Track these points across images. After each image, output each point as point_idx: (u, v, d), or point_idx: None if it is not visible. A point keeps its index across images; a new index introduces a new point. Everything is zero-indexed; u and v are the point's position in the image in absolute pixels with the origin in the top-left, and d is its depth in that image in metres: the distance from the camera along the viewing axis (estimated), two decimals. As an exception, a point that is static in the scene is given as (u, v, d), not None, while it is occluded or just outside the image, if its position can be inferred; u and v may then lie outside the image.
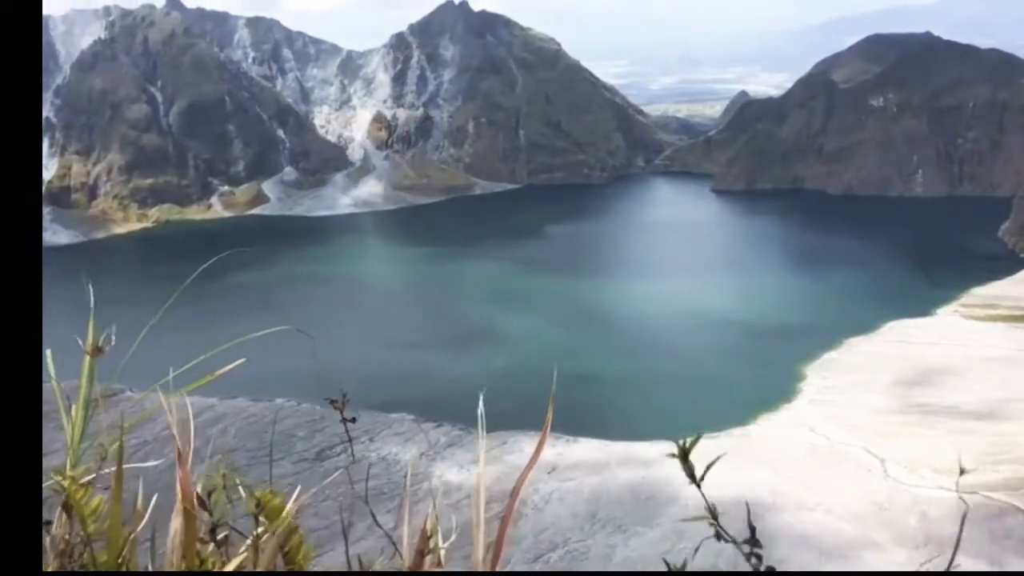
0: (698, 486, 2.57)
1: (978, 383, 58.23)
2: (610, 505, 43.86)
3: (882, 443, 49.58)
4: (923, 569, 34.12)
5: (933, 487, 43.92)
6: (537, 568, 37.95)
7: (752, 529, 2.56)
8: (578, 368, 63.38)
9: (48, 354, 3.11)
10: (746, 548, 2.58)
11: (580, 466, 47.77)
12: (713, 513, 2.60)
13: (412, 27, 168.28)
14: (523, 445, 47.73)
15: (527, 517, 41.21)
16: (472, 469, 47.44)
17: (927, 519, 40.92)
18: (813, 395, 59.63)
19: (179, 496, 2.42)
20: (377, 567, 2.78)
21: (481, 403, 3.24)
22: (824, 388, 60.63)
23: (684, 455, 2.59)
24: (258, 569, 2.42)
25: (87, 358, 3.01)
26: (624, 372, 64.89)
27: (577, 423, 50.91)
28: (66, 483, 2.48)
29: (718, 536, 2.58)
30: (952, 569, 3.14)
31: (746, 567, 2.59)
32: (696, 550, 3.05)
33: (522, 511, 41.11)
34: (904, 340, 68.55)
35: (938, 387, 58.33)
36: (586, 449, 50.10)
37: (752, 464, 47.86)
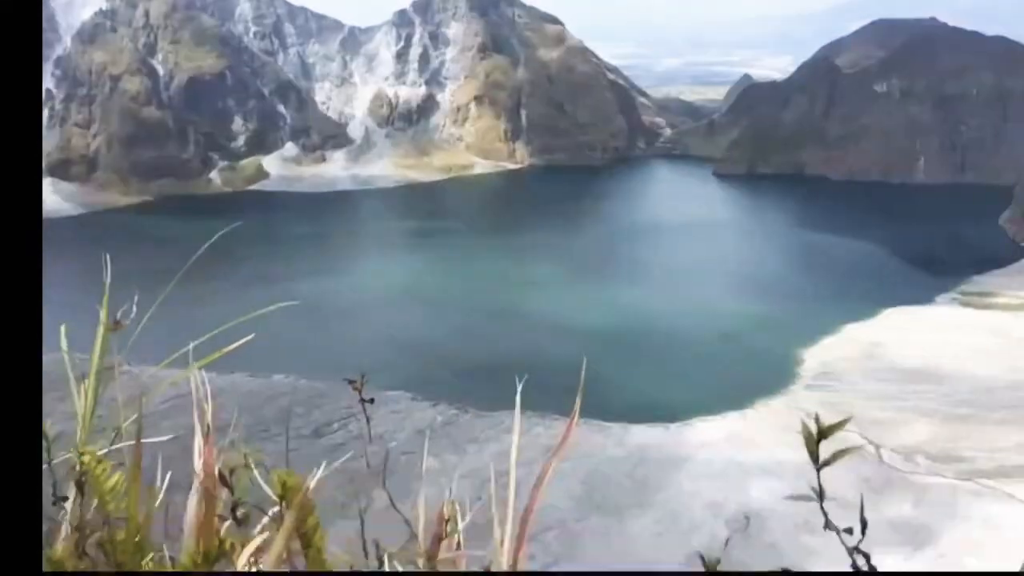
0: (818, 470, 2.36)
1: (976, 371, 58.41)
2: (606, 487, 44.12)
3: (878, 429, 49.79)
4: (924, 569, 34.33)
5: (928, 474, 44.20)
6: (532, 552, 38.11)
7: (863, 523, 2.34)
8: (574, 347, 63.37)
9: (62, 329, 3.08)
10: (851, 540, 2.33)
11: (576, 447, 47.94)
12: (821, 496, 2.39)
13: (415, 4, 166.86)
14: (525, 427, 47.80)
15: (520, 498, 41.38)
16: (469, 449, 47.64)
17: (921, 505, 41.21)
18: (810, 380, 59.78)
19: (200, 473, 2.39)
20: (392, 550, 2.77)
21: (519, 389, 3.23)
22: (821, 374, 60.76)
23: (817, 439, 2.35)
24: (274, 549, 2.41)
25: (100, 333, 2.98)
26: (619, 353, 64.78)
27: (572, 403, 50.95)
28: (85, 459, 2.44)
29: (826, 525, 2.35)
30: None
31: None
32: (726, 544, 3.00)
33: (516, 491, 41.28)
34: (903, 327, 68.60)
35: (935, 375, 58.48)
36: (582, 431, 50.25)
37: (748, 448, 48.11)
